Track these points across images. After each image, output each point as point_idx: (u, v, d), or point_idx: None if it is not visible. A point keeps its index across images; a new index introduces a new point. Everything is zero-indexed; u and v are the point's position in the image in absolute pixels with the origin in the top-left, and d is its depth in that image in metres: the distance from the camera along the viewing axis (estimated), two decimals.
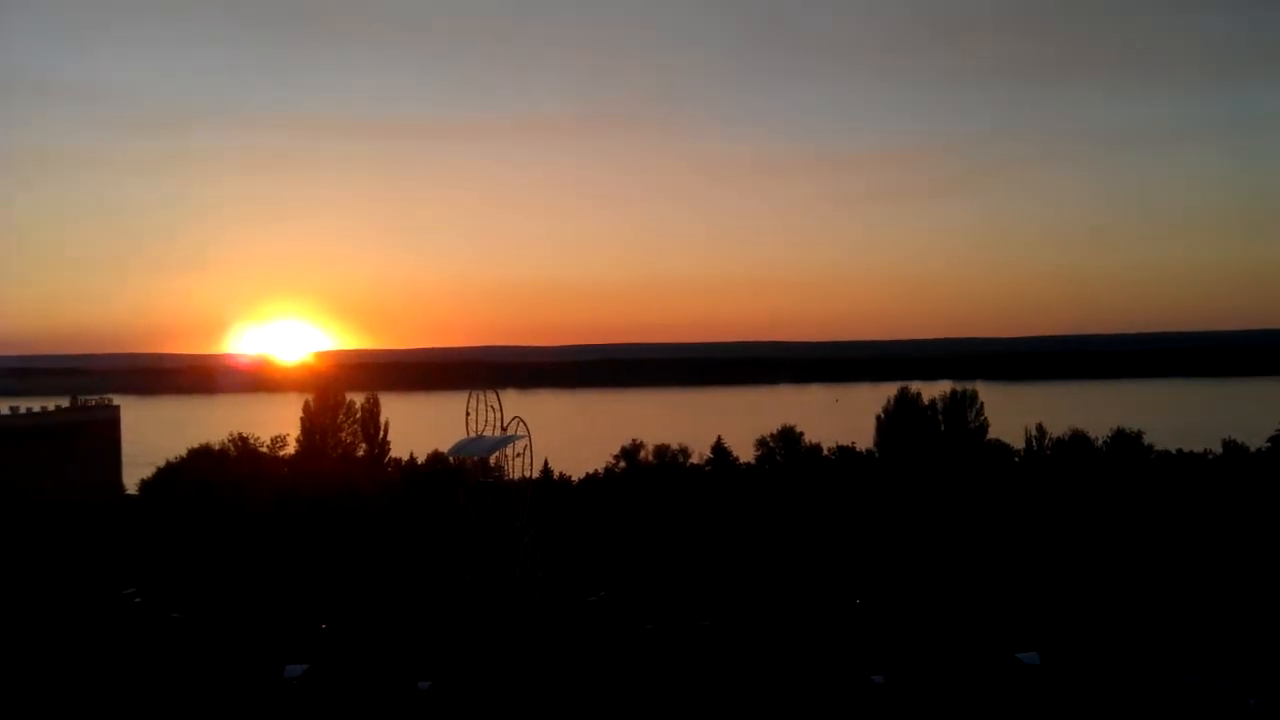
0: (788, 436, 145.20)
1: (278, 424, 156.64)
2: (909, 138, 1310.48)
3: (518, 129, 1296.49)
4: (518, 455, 59.39)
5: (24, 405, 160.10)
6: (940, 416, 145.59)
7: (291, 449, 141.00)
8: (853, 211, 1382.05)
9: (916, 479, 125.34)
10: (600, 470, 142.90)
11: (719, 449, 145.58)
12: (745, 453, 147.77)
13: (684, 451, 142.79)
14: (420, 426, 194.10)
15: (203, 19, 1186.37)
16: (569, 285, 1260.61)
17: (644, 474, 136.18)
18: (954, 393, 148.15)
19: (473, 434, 58.99)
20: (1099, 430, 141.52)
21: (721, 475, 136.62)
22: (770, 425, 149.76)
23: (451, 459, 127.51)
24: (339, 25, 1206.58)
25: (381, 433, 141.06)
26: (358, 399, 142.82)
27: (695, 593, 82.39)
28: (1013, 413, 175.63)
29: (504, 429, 59.22)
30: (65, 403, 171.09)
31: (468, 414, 59.77)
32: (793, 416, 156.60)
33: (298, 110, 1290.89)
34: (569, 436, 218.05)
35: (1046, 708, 55.22)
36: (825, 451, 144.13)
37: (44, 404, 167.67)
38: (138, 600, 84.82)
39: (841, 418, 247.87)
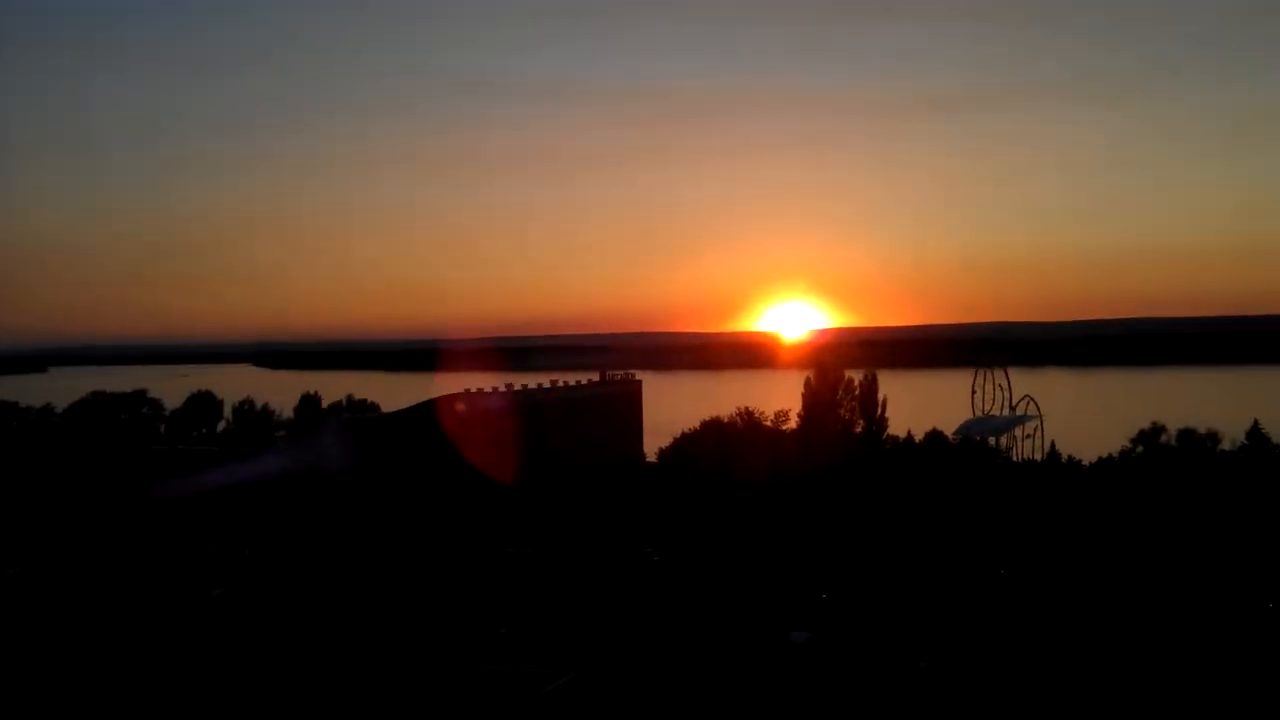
0: None
1: (780, 399, 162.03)
2: None
3: (1015, 97, 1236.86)
4: (1027, 436, 56.82)
5: (560, 380, 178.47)
6: None
7: (793, 424, 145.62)
8: None
9: None
10: (1114, 454, 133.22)
11: (1255, 434, 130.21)
12: None
13: (1213, 436, 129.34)
14: (918, 404, 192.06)
15: (713, 5, 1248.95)
16: (1080, 255, 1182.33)
17: (1165, 458, 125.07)
18: None
19: (980, 413, 57.23)
20: None
21: (1259, 463, 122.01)
22: None
23: (952, 437, 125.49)
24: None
25: (879, 410, 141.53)
26: (856, 376, 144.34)
27: (1218, 589, 74.37)
28: None
29: (1013, 408, 56.89)
30: (595, 377, 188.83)
31: (974, 392, 58.11)
32: None
33: (808, 91, 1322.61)
34: (1080, 417, 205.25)
35: None
36: None
37: (576, 378, 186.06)
38: (656, 559, 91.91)
39: None
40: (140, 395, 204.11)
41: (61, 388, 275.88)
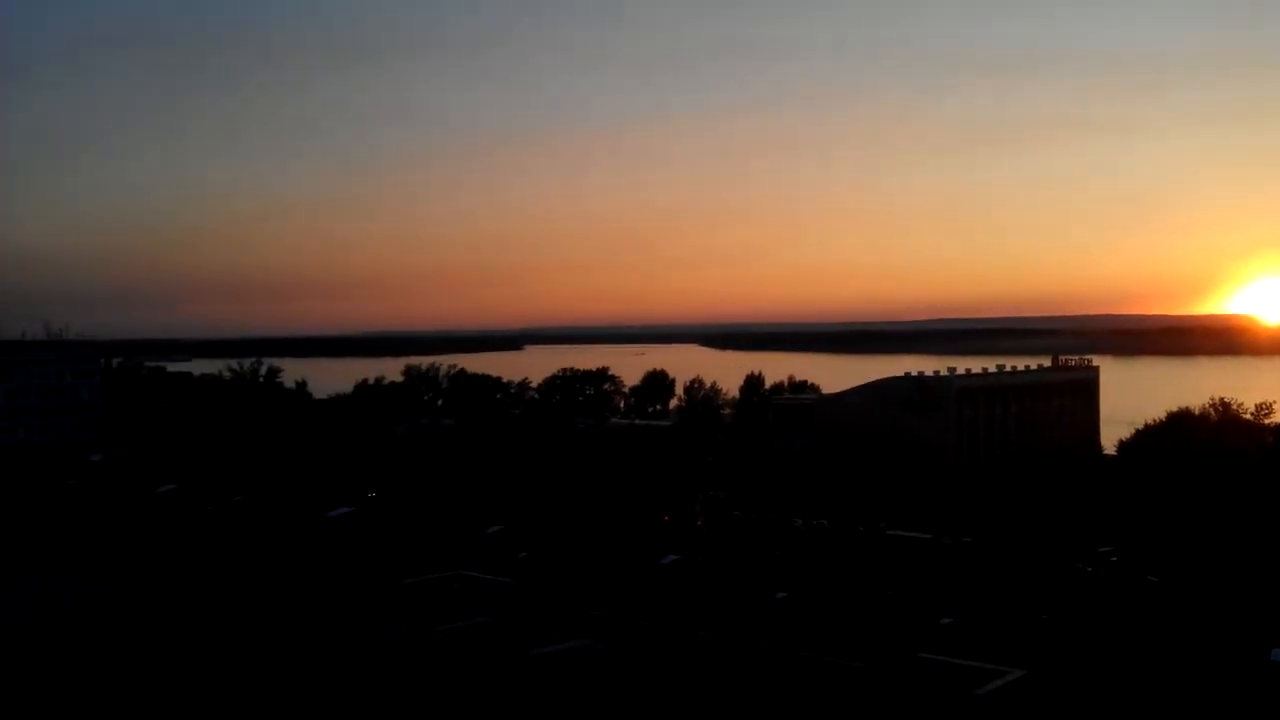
0: None
1: (1262, 390, 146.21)
2: None
3: None
4: None
5: (1008, 364, 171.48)
6: None
7: (1279, 417, 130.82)
8: None
9: None
10: None
11: None
12: None
13: None
14: None
15: None
16: None
17: None
18: None
19: None
20: None
21: None
22: None
23: None
24: None
25: None
26: None
27: None
28: None
29: None
30: (1046, 362, 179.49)
31: None
32: None
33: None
34: None
35: None
36: None
37: (1026, 363, 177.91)
38: (1113, 559, 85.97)
39: None
40: (603, 372, 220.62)
41: (536, 363, 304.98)
